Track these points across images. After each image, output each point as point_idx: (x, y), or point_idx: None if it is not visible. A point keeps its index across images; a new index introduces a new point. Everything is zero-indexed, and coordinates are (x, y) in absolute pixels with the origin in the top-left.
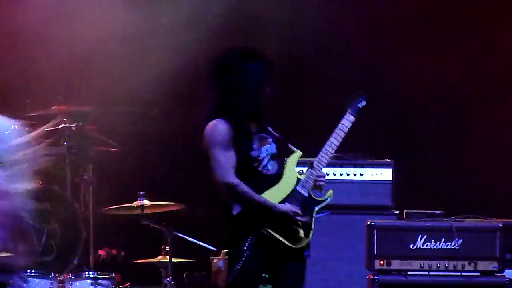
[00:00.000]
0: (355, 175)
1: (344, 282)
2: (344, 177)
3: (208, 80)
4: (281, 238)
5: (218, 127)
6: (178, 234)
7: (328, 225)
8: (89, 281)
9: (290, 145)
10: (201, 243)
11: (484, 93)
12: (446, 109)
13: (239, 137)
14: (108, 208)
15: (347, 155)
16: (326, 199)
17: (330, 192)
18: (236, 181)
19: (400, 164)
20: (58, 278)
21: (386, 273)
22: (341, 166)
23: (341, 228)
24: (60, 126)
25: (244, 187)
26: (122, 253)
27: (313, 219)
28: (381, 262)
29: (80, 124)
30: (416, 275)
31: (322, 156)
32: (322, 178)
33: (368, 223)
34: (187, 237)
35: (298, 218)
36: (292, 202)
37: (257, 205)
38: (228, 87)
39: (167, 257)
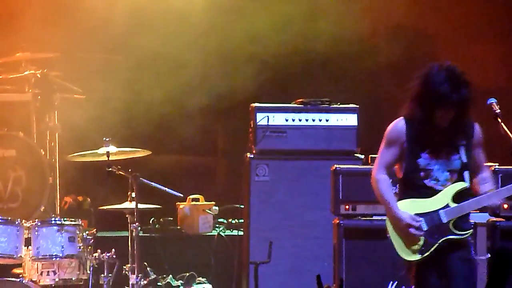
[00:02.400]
0: (320, 120)
1: (310, 227)
2: (310, 122)
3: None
4: (394, 243)
5: (394, 125)
6: (144, 180)
7: (293, 171)
8: (55, 228)
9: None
10: (167, 189)
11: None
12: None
13: (412, 142)
14: (73, 155)
15: (313, 100)
16: (464, 235)
17: (470, 232)
18: (379, 177)
19: (364, 109)
20: (24, 224)
21: (351, 218)
22: (306, 111)
23: (306, 174)
24: (25, 73)
25: (382, 185)
26: (88, 199)
27: (436, 245)
28: (347, 206)
29: (45, 70)
30: (381, 219)
31: (474, 201)
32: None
33: (334, 168)
34: (153, 184)
35: (411, 230)
36: (426, 220)
37: (383, 203)
38: (424, 99)
39: (133, 203)
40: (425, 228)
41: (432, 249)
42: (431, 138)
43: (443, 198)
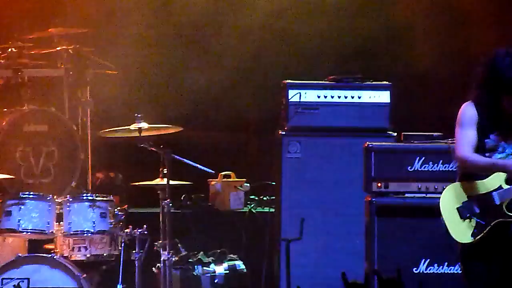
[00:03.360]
0: (352, 97)
1: (341, 205)
2: (342, 99)
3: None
4: (447, 224)
5: (467, 107)
6: (176, 156)
7: (325, 148)
8: (87, 203)
9: None
10: (199, 166)
11: None
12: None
13: (481, 124)
14: (105, 130)
15: (345, 77)
16: None
17: None
18: (468, 154)
19: (398, 87)
20: (56, 200)
21: (383, 195)
22: (339, 88)
23: (338, 151)
24: (58, 48)
25: (474, 157)
26: (120, 175)
27: (488, 227)
28: (379, 184)
29: (77, 46)
30: (414, 197)
31: None
32: None
33: (366, 145)
34: (185, 160)
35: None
36: (475, 203)
37: (489, 168)
38: (490, 85)
39: (165, 179)
40: (477, 210)
41: (485, 231)
42: (499, 122)
43: (496, 180)
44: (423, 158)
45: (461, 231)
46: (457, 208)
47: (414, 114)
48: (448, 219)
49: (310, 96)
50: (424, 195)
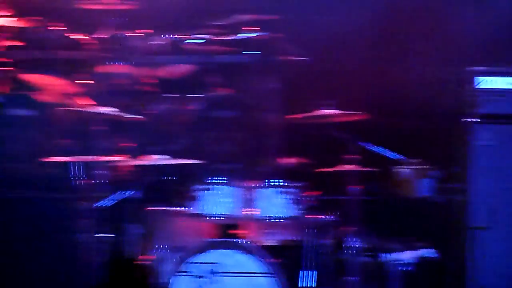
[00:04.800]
0: None
1: None
2: None
3: None
4: None
5: None
6: (364, 143)
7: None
8: (277, 189)
9: None
10: (388, 153)
11: None
12: None
13: None
14: (296, 116)
15: None
16: None
17: None
18: None
19: None
20: (246, 185)
21: None
22: None
23: None
24: (245, 35)
25: None
26: (310, 162)
27: None
28: None
29: (266, 33)
30: None
31: None
32: None
33: None
34: (372, 147)
35: None
36: None
37: None
38: None
39: (354, 166)
40: None
41: None
42: None
43: None
44: None
45: None
46: None
47: None
48: None
49: (499, 82)
50: None
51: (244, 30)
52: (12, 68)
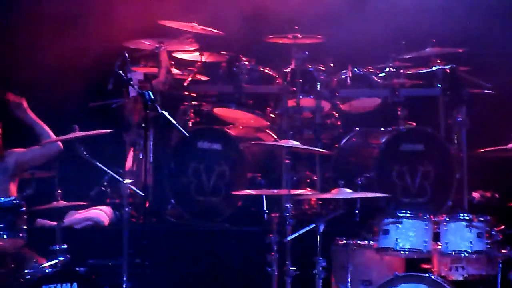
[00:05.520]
0: None
1: None
2: None
3: None
4: None
5: None
6: None
7: None
8: (463, 223)
9: None
10: None
11: None
12: None
13: None
14: (482, 150)
15: None
16: None
17: None
18: None
19: None
20: (433, 219)
21: None
22: None
23: None
24: (434, 68)
25: None
26: (497, 195)
27: None
28: None
29: (453, 66)
30: None
31: None
32: None
33: None
34: None
35: None
36: None
37: None
38: None
39: None
40: None
41: None
42: None
43: None
44: None
45: None
46: None
47: None
48: None
49: None
50: None
51: (432, 63)
52: (199, 102)
